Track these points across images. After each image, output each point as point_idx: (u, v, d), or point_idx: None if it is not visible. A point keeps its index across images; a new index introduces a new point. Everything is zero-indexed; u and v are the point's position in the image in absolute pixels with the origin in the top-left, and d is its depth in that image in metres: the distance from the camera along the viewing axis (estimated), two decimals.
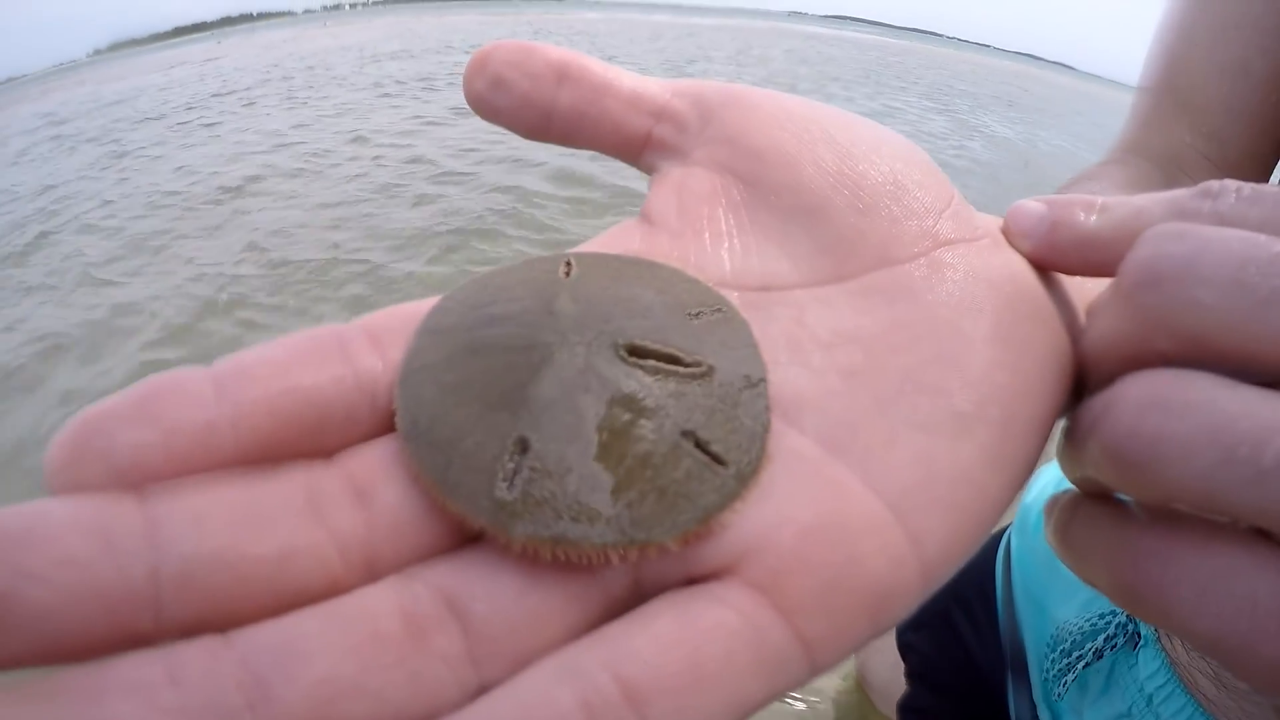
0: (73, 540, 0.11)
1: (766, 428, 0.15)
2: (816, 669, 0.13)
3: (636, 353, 0.15)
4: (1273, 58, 0.42)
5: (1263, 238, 0.13)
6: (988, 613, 0.61)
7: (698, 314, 0.16)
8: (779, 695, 0.13)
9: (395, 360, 0.15)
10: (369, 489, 0.13)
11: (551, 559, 0.12)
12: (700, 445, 0.14)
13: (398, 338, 0.15)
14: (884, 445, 0.15)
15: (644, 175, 0.21)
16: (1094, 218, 0.18)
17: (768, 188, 0.18)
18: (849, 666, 1.21)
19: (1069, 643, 0.47)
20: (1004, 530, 0.64)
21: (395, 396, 0.14)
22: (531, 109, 0.20)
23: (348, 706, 0.11)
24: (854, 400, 0.15)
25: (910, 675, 0.72)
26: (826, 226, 0.18)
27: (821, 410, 0.15)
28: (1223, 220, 0.15)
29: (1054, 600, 0.53)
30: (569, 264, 0.17)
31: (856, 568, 0.13)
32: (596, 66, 0.20)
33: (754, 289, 0.17)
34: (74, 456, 0.12)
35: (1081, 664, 0.46)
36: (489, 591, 0.12)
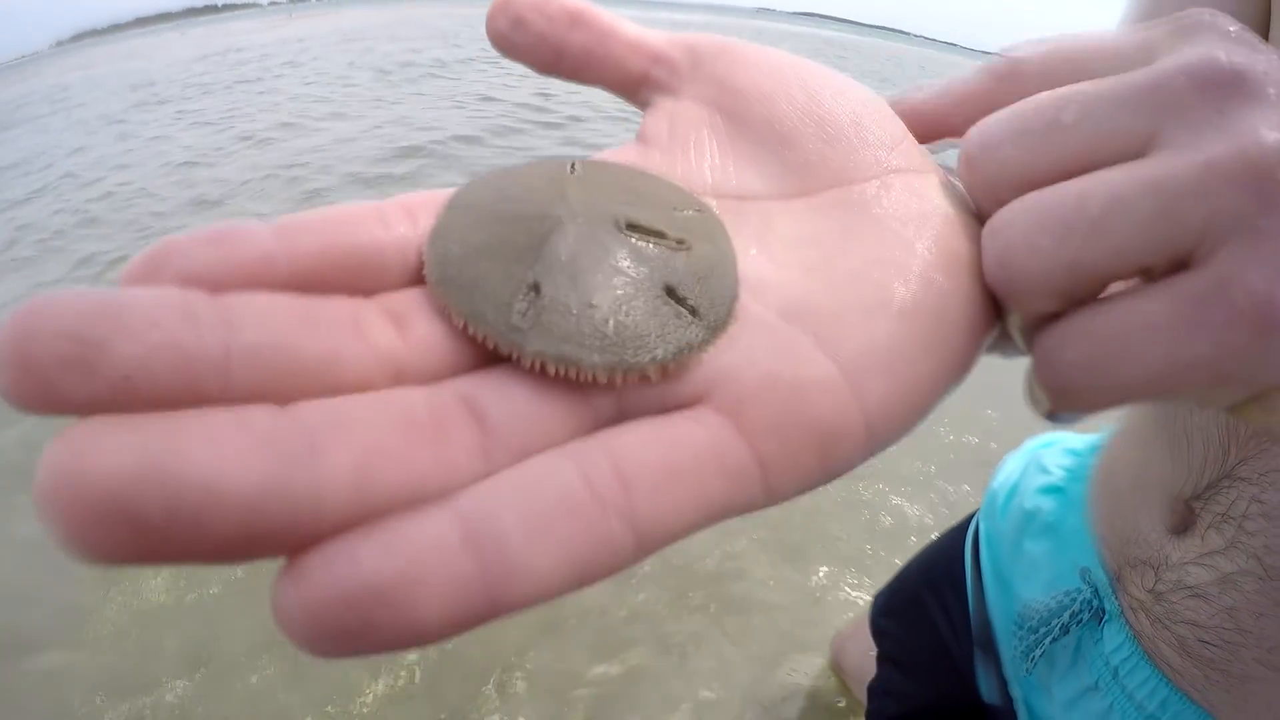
0: (159, 310, 0.12)
1: (735, 295, 0.17)
2: (771, 491, 0.15)
3: (632, 228, 0.18)
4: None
5: (1020, 104, 0.19)
6: (958, 596, 0.63)
7: (681, 210, 0.19)
8: (740, 508, 0.15)
9: (425, 228, 0.17)
10: (403, 317, 0.15)
11: (555, 375, 0.15)
12: (679, 299, 0.16)
13: (428, 211, 0.18)
14: (833, 319, 0.17)
15: None
16: (921, 94, 0.23)
17: (746, 119, 0.21)
18: (826, 653, 1.22)
19: (1035, 619, 0.49)
20: (972, 517, 0.66)
21: (425, 251, 0.17)
22: (546, 46, 0.22)
23: (384, 469, 0.12)
24: (810, 285, 0.18)
25: (882, 658, 0.73)
26: (795, 152, 0.21)
27: (782, 290, 0.18)
28: (1003, 79, 0.21)
29: (1020, 580, 0.55)
30: (574, 165, 0.20)
31: (808, 406, 0.16)
32: (605, 14, 0.23)
33: (730, 198, 0.20)
34: (152, 266, 0.14)
35: (1048, 640, 0.47)
36: (503, 398, 0.14)
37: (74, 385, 0.11)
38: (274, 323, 0.13)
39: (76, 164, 3.60)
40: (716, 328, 0.16)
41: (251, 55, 6.95)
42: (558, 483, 0.13)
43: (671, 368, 0.15)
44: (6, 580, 1.33)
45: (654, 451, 0.14)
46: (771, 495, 0.15)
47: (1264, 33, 0.38)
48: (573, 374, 0.15)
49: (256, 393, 0.12)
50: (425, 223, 0.17)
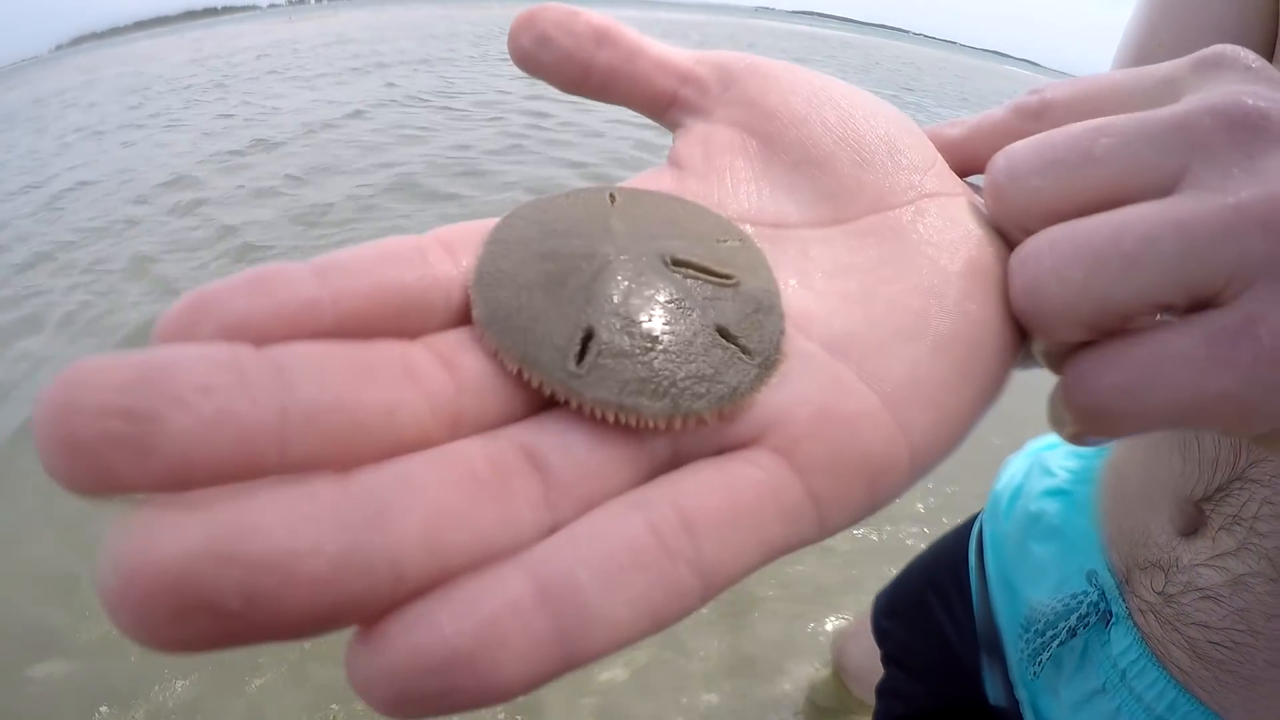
0: (211, 372, 0.11)
1: (783, 331, 0.17)
2: (824, 526, 0.15)
3: (678, 264, 0.17)
4: None
5: (1047, 134, 0.19)
6: (962, 598, 0.63)
7: (724, 241, 0.19)
8: (795, 545, 0.15)
9: (466, 265, 0.17)
10: (452, 361, 0.15)
11: (615, 422, 0.15)
12: (731, 339, 0.16)
13: (468, 246, 0.17)
14: (876, 352, 0.17)
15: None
16: (955, 130, 0.24)
17: (780, 143, 0.21)
18: (827, 655, 1.22)
19: (1042, 622, 0.49)
20: (974, 518, 0.66)
21: (473, 292, 0.16)
22: (573, 65, 0.22)
23: (453, 535, 0.12)
24: (851, 317, 0.18)
25: (887, 660, 0.73)
26: (829, 177, 0.21)
27: (825, 323, 0.18)
28: (1032, 117, 0.22)
29: (1026, 583, 0.55)
30: (613, 195, 0.20)
31: (858, 442, 0.16)
32: (631, 32, 0.23)
33: (767, 226, 0.20)
34: (191, 319, 0.13)
35: (1055, 643, 0.47)
36: (562, 445, 0.14)
37: (129, 467, 0.11)
38: (328, 377, 0.13)
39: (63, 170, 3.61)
40: (769, 366, 0.16)
41: (247, 58, 6.96)
42: (628, 535, 0.13)
43: (728, 410, 0.15)
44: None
45: (716, 498, 0.14)
46: (824, 530, 0.15)
47: (1271, 48, 0.38)
48: (632, 421, 0.15)
49: (316, 457, 0.12)
50: (466, 259, 0.17)
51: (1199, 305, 0.16)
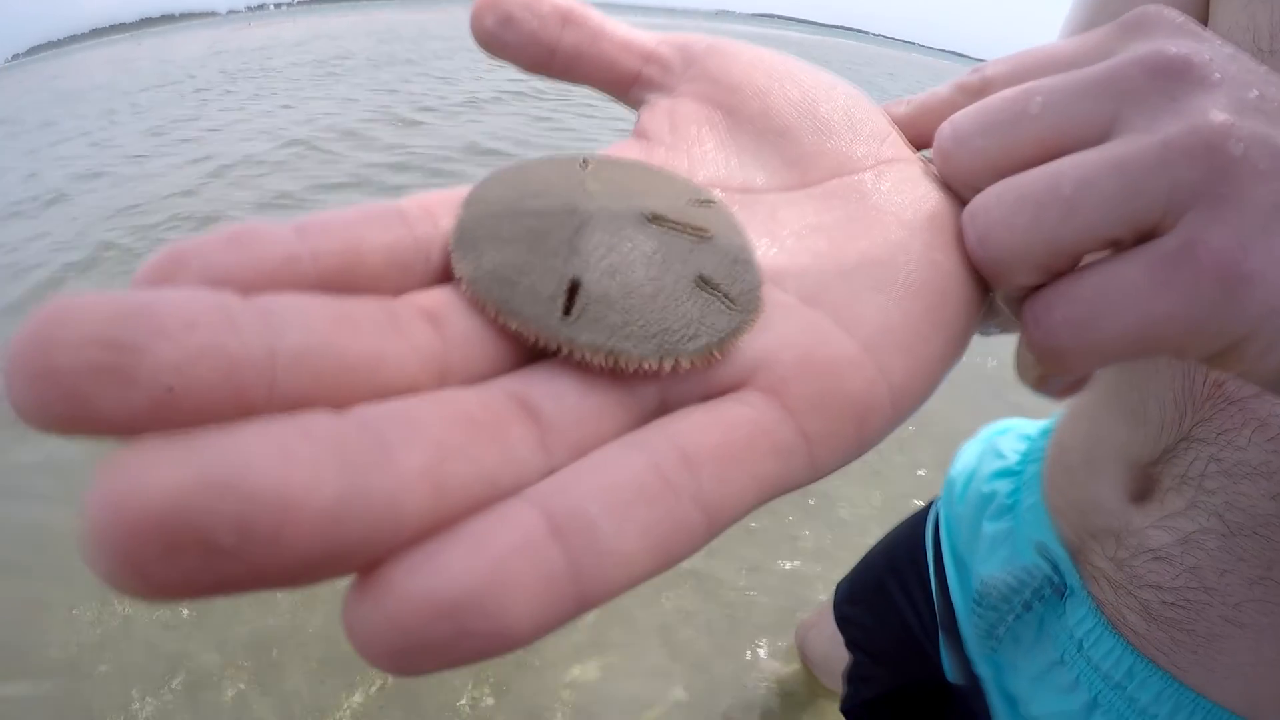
0: (196, 310, 0.11)
1: (760, 282, 0.18)
2: (815, 467, 0.16)
3: (656, 219, 0.18)
4: None
5: (986, 100, 0.20)
6: (920, 582, 0.64)
7: (695, 202, 0.19)
8: (788, 485, 0.15)
9: (445, 227, 0.17)
10: (437, 315, 0.15)
11: (607, 367, 0.15)
12: (713, 287, 0.17)
13: (447, 210, 0.17)
14: (849, 302, 0.18)
15: None
16: (902, 108, 0.25)
17: (744, 115, 0.22)
18: (791, 648, 1.23)
19: (995, 596, 0.50)
20: (930, 504, 0.68)
21: (454, 250, 0.16)
22: (537, 46, 0.22)
23: (456, 469, 0.12)
24: (823, 272, 0.18)
25: (851, 646, 0.74)
26: (793, 146, 0.21)
27: (798, 277, 0.18)
28: (975, 93, 0.23)
29: (979, 561, 0.56)
30: (585, 161, 0.20)
31: (843, 383, 0.16)
32: (595, 13, 0.23)
33: (735, 191, 0.21)
34: (167, 270, 0.13)
35: (1011, 616, 0.49)
36: (553, 393, 0.14)
37: (110, 398, 0.10)
38: (314, 324, 0.12)
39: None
40: (750, 313, 0.17)
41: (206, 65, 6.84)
42: (631, 471, 0.13)
43: (716, 354, 0.16)
44: None
45: (713, 435, 0.14)
46: (815, 470, 0.16)
47: (1203, 15, 0.39)
48: (623, 364, 0.15)
49: (304, 399, 0.12)
50: (445, 221, 0.17)
51: (1143, 238, 0.17)
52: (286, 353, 0.12)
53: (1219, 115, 0.16)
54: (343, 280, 0.14)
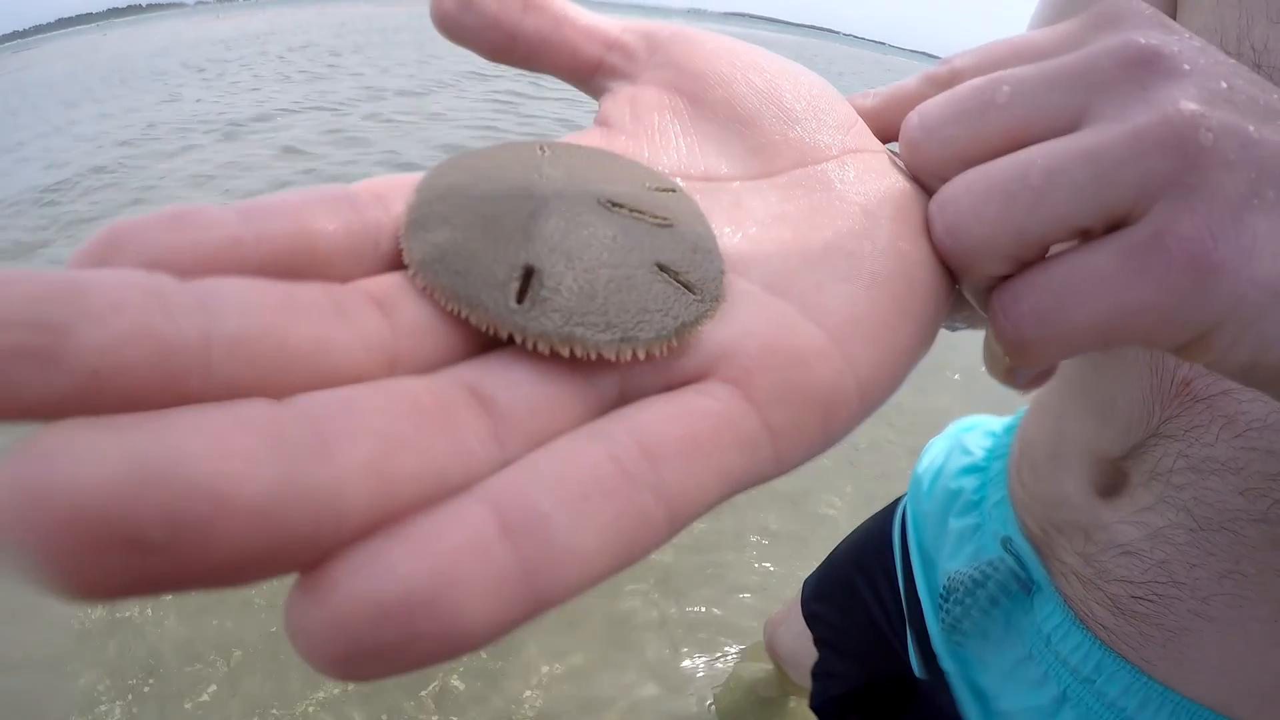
0: (126, 292, 0.10)
1: (722, 270, 0.17)
2: (780, 460, 0.15)
3: (614, 205, 0.17)
4: None
5: (955, 89, 0.20)
6: (888, 579, 0.64)
7: (656, 189, 0.19)
8: (753, 479, 0.15)
9: (396, 213, 0.16)
10: (386, 302, 0.14)
11: (560, 356, 0.14)
12: (673, 274, 0.16)
13: (398, 195, 0.17)
14: (815, 291, 0.17)
15: None
16: (869, 100, 0.25)
17: (708, 103, 0.21)
18: (760, 645, 1.24)
19: (961, 590, 0.50)
20: (898, 501, 0.68)
21: (405, 236, 0.16)
22: (498, 31, 0.22)
23: (402, 463, 0.11)
24: (788, 260, 0.18)
25: (819, 642, 0.74)
26: (757, 134, 0.21)
27: (762, 266, 0.18)
28: (943, 86, 0.22)
29: (945, 557, 0.56)
30: (543, 147, 0.19)
31: (809, 374, 0.16)
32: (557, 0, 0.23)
33: (698, 179, 0.20)
34: (104, 250, 0.12)
35: (975, 610, 0.49)
36: (507, 383, 0.14)
37: (32, 381, 0.09)
38: (254, 308, 0.12)
39: None
40: (712, 301, 0.16)
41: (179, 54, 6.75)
42: (589, 463, 0.12)
43: (675, 342, 0.15)
44: None
45: (675, 427, 0.14)
46: (781, 464, 0.15)
47: (1171, 15, 0.40)
48: (579, 353, 0.14)
49: (242, 387, 0.11)
50: (396, 207, 0.16)
51: (1113, 228, 0.17)
52: (223, 338, 0.11)
53: (1189, 105, 0.16)
54: (288, 265, 0.14)
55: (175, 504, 0.09)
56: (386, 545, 0.10)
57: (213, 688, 1.14)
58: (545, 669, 1.20)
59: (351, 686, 1.15)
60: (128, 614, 1.25)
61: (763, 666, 1.22)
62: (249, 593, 1.21)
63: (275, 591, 1.24)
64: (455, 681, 1.17)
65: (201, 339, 0.11)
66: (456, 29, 0.22)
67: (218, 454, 0.09)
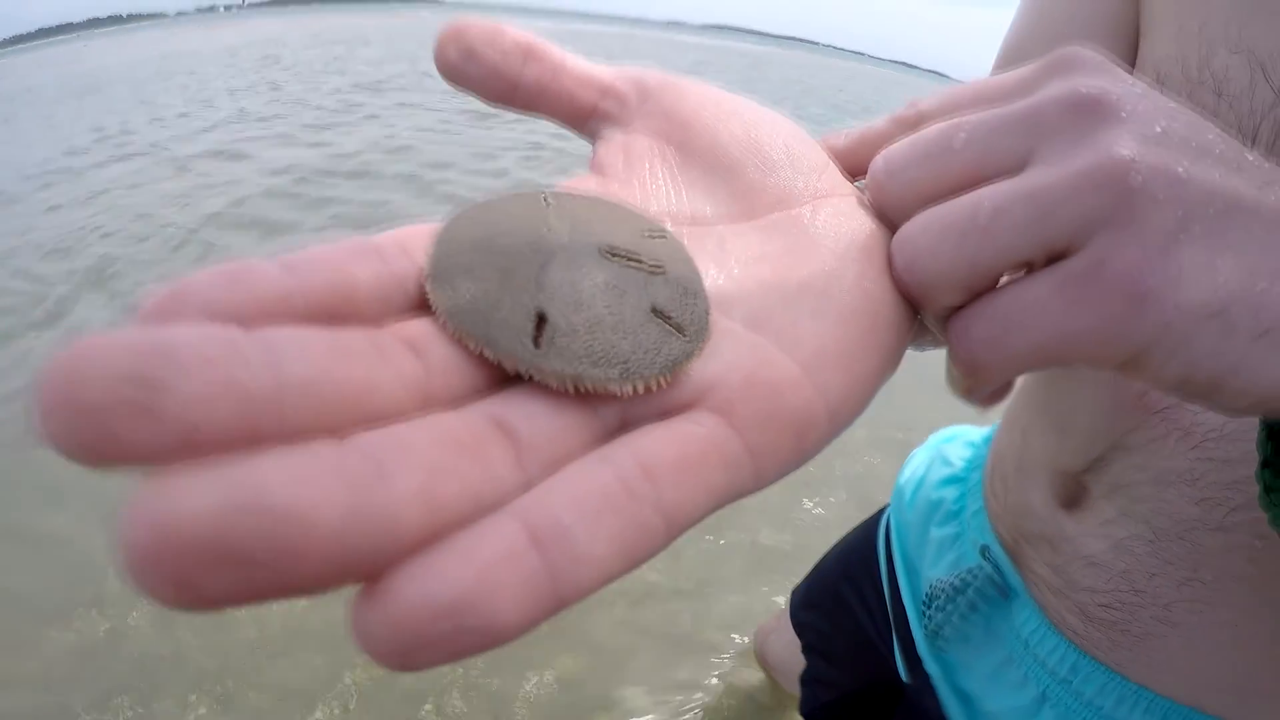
0: (209, 345, 0.12)
1: (708, 310, 0.19)
2: (759, 477, 0.17)
3: (614, 254, 0.19)
4: None
5: (917, 134, 0.22)
6: (874, 586, 0.66)
7: (649, 235, 0.21)
8: (736, 494, 0.17)
9: (418, 260, 0.18)
10: (418, 345, 0.16)
11: (573, 391, 0.16)
12: (665, 317, 0.18)
13: (417, 244, 0.18)
14: (790, 327, 0.19)
15: None
16: (842, 140, 0.27)
17: (693, 150, 0.23)
18: (750, 647, 1.24)
19: (942, 598, 0.52)
20: (882, 511, 0.70)
21: (431, 286, 0.17)
22: (500, 80, 0.23)
23: (447, 487, 0.13)
24: (766, 299, 0.20)
25: (807, 650, 0.76)
26: (738, 180, 0.23)
27: (744, 304, 0.20)
28: (910, 126, 0.25)
29: (927, 565, 0.58)
30: (546, 197, 0.21)
31: (784, 402, 0.18)
32: (554, 48, 0.24)
33: (685, 223, 0.22)
34: (170, 306, 0.13)
35: (956, 616, 0.50)
36: (527, 415, 0.16)
37: (139, 432, 0.11)
38: (312, 355, 0.13)
39: None
40: (700, 340, 0.18)
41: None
42: (599, 483, 0.14)
43: (669, 378, 0.17)
44: None
45: (670, 450, 0.16)
46: (760, 480, 0.17)
47: (1134, 44, 0.41)
48: (588, 388, 0.16)
49: (309, 425, 0.13)
50: (417, 255, 0.18)
51: (1055, 259, 0.19)
52: (291, 383, 0.13)
53: (1123, 150, 0.18)
54: (328, 315, 0.15)
55: (275, 529, 0.11)
56: (436, 557, 0.12)
57: (204, 710, 1.14)
58: (535, 678, 1.21)
59: (352, 705, 1.15)
60: (105, 628, 1.25)
61: (754, 673, 1.23)
62: (253, 613, 1.20)
63: (289, 614, 1.24)
64: (452, 697, 1.17)
65: (274, 385, 0.12)
66: (460, 77, 0.23)
67: (299, 487, 0.11)
